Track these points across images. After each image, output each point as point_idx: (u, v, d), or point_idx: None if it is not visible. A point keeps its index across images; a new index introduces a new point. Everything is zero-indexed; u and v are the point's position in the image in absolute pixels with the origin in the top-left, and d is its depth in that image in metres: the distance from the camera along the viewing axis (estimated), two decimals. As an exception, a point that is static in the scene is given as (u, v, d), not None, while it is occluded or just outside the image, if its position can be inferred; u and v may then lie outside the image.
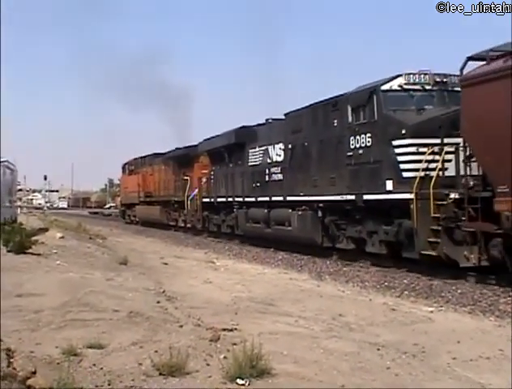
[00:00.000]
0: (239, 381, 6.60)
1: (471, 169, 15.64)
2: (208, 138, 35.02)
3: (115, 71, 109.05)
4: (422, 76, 18.43)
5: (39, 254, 18.26)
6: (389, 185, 17.53)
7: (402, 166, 17.13)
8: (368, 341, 9.03)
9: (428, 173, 16.45)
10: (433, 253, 15.97)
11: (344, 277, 17.29)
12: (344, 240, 20.94)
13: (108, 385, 6.32)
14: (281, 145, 24.93)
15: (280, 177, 25.04)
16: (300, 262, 21.18)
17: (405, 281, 16.01)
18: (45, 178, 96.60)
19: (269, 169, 26.05)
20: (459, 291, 14.25)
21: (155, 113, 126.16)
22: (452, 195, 15.75)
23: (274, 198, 25.41)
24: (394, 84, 18.36)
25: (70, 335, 8.23)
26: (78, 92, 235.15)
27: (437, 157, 16.45)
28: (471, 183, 15.44)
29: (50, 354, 7.30)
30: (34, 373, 6.04)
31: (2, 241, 19.20)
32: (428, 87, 18.36)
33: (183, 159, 40.01)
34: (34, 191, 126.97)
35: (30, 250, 18.45)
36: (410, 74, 18.44)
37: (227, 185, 31.27)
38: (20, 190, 78.72)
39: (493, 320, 11.25)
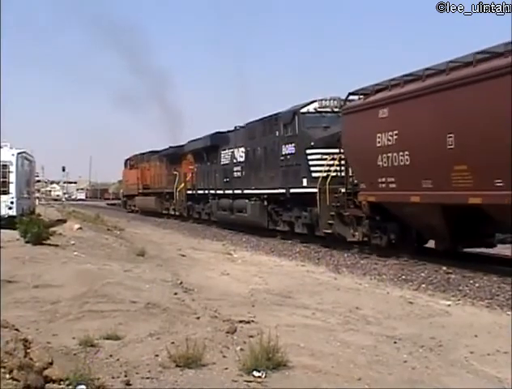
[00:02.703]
0: (255, 373, 6.60)
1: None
2: (192, 140, 41.97)
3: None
4: (332, 101, 24.33)
5: (57, 245, 18.38)
6: (304, 182, 23.78)
7: (311, 168, 23.49)
8: (385, 334, 9.01)
9: (328, 173, 22.39)
10: (330, 231, 22.33)
11: (361, 270, 17.25)
12: (282, 223, 27.10)
13: (125, 376, 6.31)
14: (242, 148, 31.37)
15: (240, 174, 31.76)
16: (317, 254, 21.17)
17: (422, 274, 15.96)
18: (63, 170, 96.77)
19: (234, 168, 32.70)
20: (477, 285, 14.18)
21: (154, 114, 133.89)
22: (342, 190, 21.71)
23: (236, 191, 31.83)
24: (311, 108, 24.57)
25: (87, 326, 8.26)
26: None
27: (335, 162, 22.42)
28: (355, 181, 21.14)
29: (67, 345, 7.33)
30: (51, 363, 6.04)
31: (19, 232, 19.31)
32: (336, 110, 23.72)
33: (173, 156, 46.15)
34: (52, 182, 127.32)
35: (48, 241, 18.56)
36: (322, 99, 24.48)
37: (205, 179, 38.48)
38: (38, 181, 78.87)
39: (511, 314, 11.18)
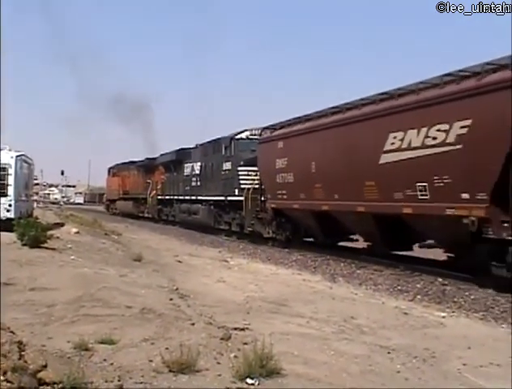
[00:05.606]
0: (249, 380, 6.61)
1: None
2: (163, 154, 50.64)
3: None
4: (259, 130, 30.20)
5: (53, 249, 18.36)
6: (236, 191, 31.19)
7: (241, 182, 30.89)
8: (379, 344, 9.02)
9: (251, 186, 29.43)
10: (252, 229, 29.80)
11: (358, 280, 17.28)
12: (223, 223, 34.53)
13: (118, 381, 6.32)
14: (199, 163, 38.95)
15: (196, 184, 39.37)
16: (313, 263, 21.20)
17: (418, 285, 16.00)
18: (62, 173, 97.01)
19: (192, 178, 40.21)
20: (472, 297, 14.22)
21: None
22: (259, 198, 28.87)
23: (192, 197, 39.50)
24: (243, 135, 32.33)
25: (81, 330, 8.27)
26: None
27: (257, 178, 29.12)
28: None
29: (61, 348, 7.33)
30: (45, 366, 6.05)
31: (17, 235, 19.30)
32: None
33: (148, 167, 54.32)
34: (51, 186, 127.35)
35: (45, 245, 18.54)
36: (252, 129, 31.91)
37: (171, 187, 46.20)
38: (37, 184, 79.01)
39: (505, 327, 11.20)
